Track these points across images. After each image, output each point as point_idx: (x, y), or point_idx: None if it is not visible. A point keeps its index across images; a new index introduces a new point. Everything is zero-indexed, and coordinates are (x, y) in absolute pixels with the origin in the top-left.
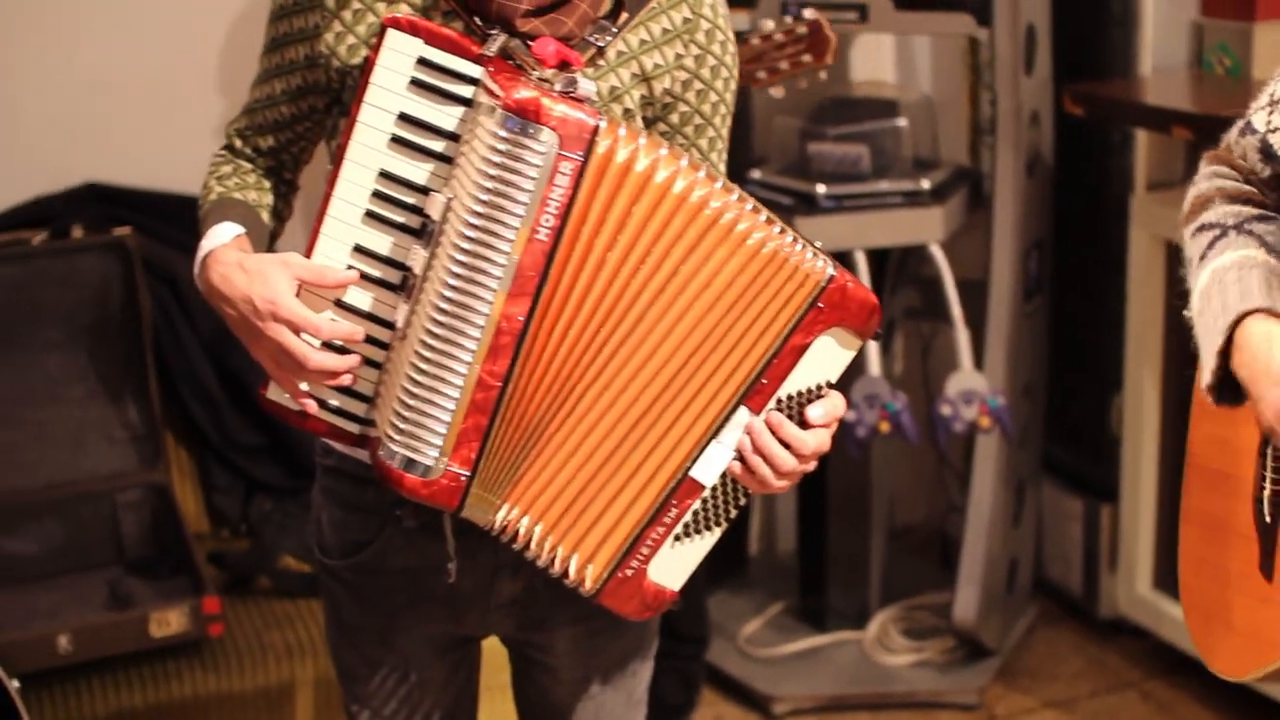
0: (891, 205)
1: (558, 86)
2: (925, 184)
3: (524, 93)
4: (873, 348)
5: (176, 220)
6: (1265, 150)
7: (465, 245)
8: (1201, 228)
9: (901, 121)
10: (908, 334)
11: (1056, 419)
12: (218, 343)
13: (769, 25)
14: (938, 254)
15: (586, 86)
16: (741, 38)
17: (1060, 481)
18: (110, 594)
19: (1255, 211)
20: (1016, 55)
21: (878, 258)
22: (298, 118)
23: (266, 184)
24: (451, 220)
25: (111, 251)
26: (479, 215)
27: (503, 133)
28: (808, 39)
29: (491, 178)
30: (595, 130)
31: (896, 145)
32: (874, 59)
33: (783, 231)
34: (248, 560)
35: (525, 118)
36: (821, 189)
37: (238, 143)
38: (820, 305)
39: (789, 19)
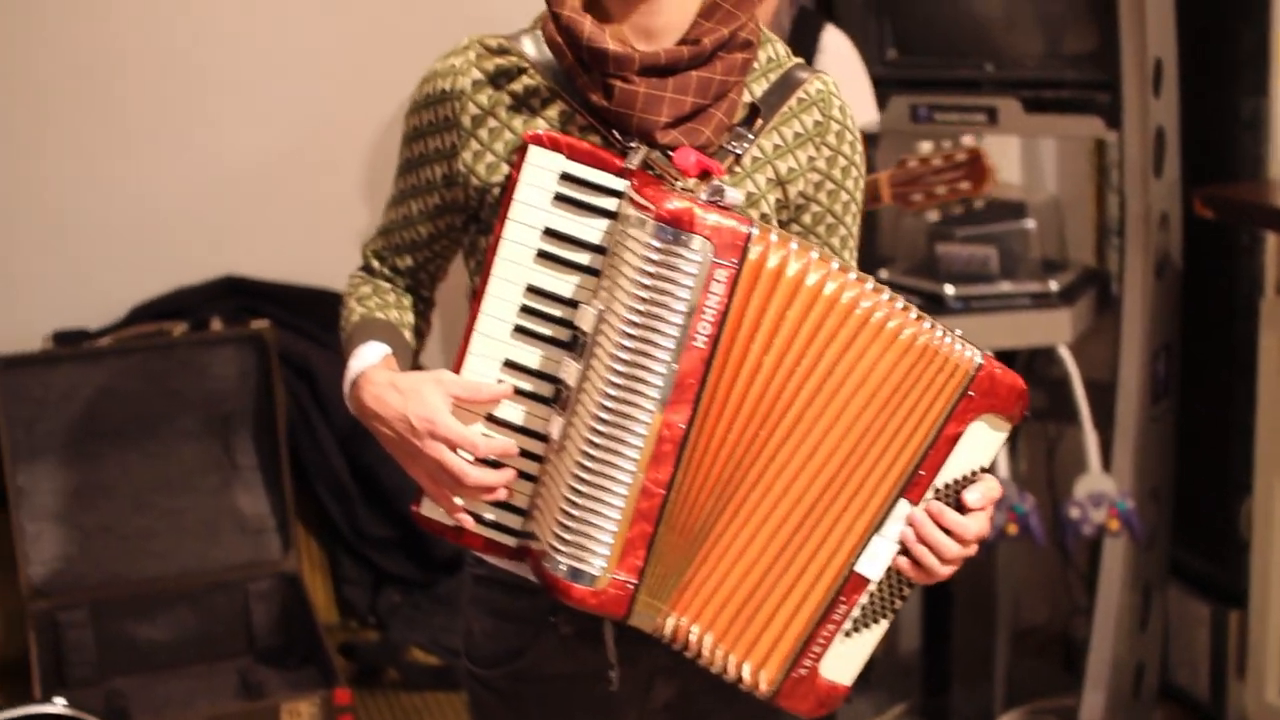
0: (1020, 307)
1: (704, 195)
2: (1053, 286)
3: (676, 203)
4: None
5: (312, 313)
6: None
7: (623, 356)
8: None
9: (1030, 223)
10: (1033, 435)
11: (1184, 522)
12: (351, 436)
13: (926, 148)
14: (1066, 356)
15: (733, 195)
16: (899, 161)
17: (1187, 585)
18: (241, 683)
19: None
20: (1146, 158)
21: (1005, 357)
22: (435, 236)
23: (406, 302)
24: (605, 332)
25: (249, 344)
26: (635, 326)
27: (656, 243)
28: (966, 166)
29: (646, 288)
30: (748, 237)
31: (1024, 247)
32: (1000, 159)
33: (931, 325)
34: (377, 652)
35: (679, 228)
36: (950, 290)
37: (375, 263)
38: (971, 394)
39: (948, 144)
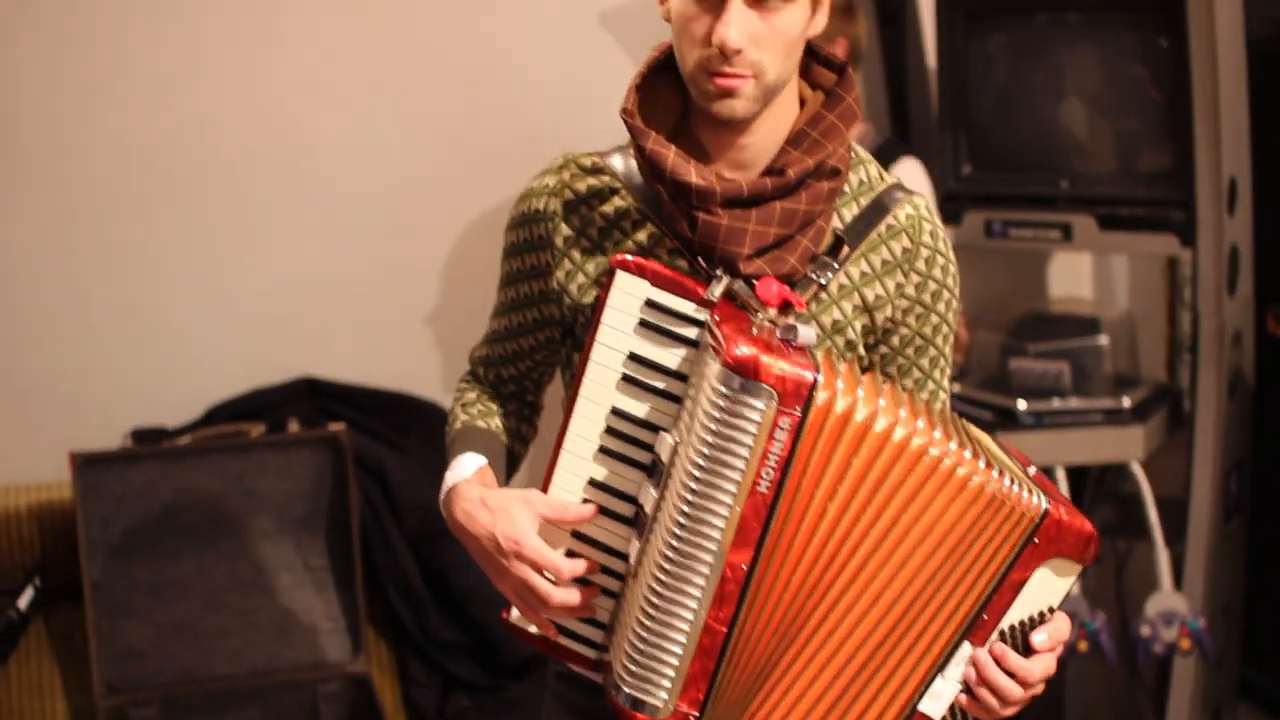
0: (1092, 423)
1: (778, 334)
2: (1126, 402)
3: (744, 349)
4: None
5: (386, 416)
6: None
7: (690, 495)
8: None
9: (1103, 339)
10: (1103, 550)
11: (1254, 641)
12: (423, 539)
13: None
14: (1138, 472)
15: (806, 334)
16: None
17: (1258, 706)
18: None
19: None
20: (1220, 275)
21: (1077, 472)
22: (535, 348)
23: (511, 408)
24: (679, 464)
25: (325, 447)
26: (702, 468)
27: (724, 389)
28: None
29: (713, 431)
30: (814, 385)
31: (1097, 363)
32: (1072, 274)
33: (999, 471)
34: None
35: (745, 375)
36: (1022, 405)
37: (480, 370)
38: (1036, 541)
39: None
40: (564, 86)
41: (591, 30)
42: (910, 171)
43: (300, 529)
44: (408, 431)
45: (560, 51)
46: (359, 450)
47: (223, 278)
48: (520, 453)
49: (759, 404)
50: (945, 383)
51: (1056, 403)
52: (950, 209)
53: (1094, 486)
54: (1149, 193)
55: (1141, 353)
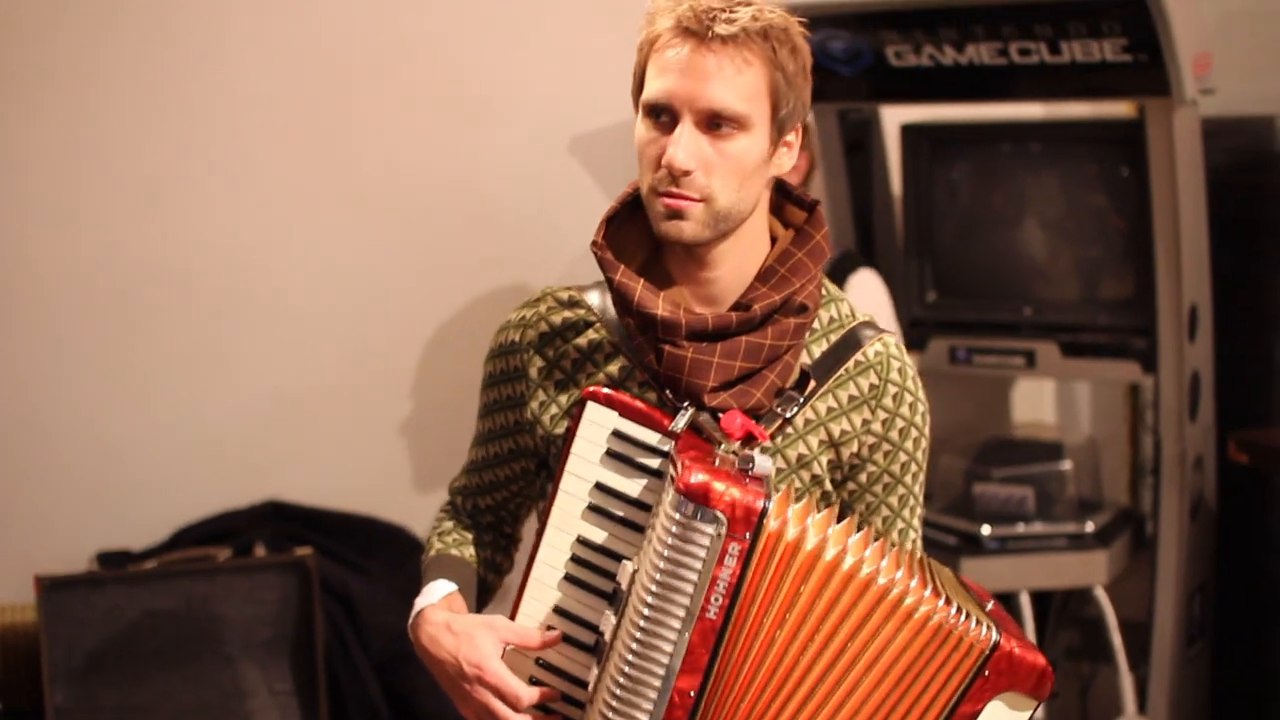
0: (1056, 548)
1: (738, 463)
2: (1089, 527)
3: (697, 477)
4: None
5: (353, 539)
6: None
7: (643, 621)
8: None
9: (1066, 464)
10: (1067, 674)
11: None
12: (387, 663)
13: None
14: (1102, 596)
15: (763, 464)
16: None
17: None
18: None
19: None
20: (1181, 401)
21: (1041, 597)
22: (511, 479)
23: (486, 538)
24: (636, 591)
25: (292, 570)
26: (654, 594)
27: (677, 515)
28: None
29: (666, 557)
30: (763, 512)
31: (1061, 488)
32: (1035, 399)
33: (946, 601)
34: None
35: (696, 500)
36: (986, 530)
37: (459, 500)
38: (987, 673)
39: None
40: (533, 208)
41: (562, 156)
42: (866, 283)
43: (265, 653)
44: (374, 555)
45: (531, 174)
46: (325, 574)
47: (189, 399)
48: (494, 583)
49: (709, 529)
50: (915, 521)
51: (1021, 528)
52: (915, 335)
53: (1058, 611)
54: (1111, 320)
55: (1104, 477)
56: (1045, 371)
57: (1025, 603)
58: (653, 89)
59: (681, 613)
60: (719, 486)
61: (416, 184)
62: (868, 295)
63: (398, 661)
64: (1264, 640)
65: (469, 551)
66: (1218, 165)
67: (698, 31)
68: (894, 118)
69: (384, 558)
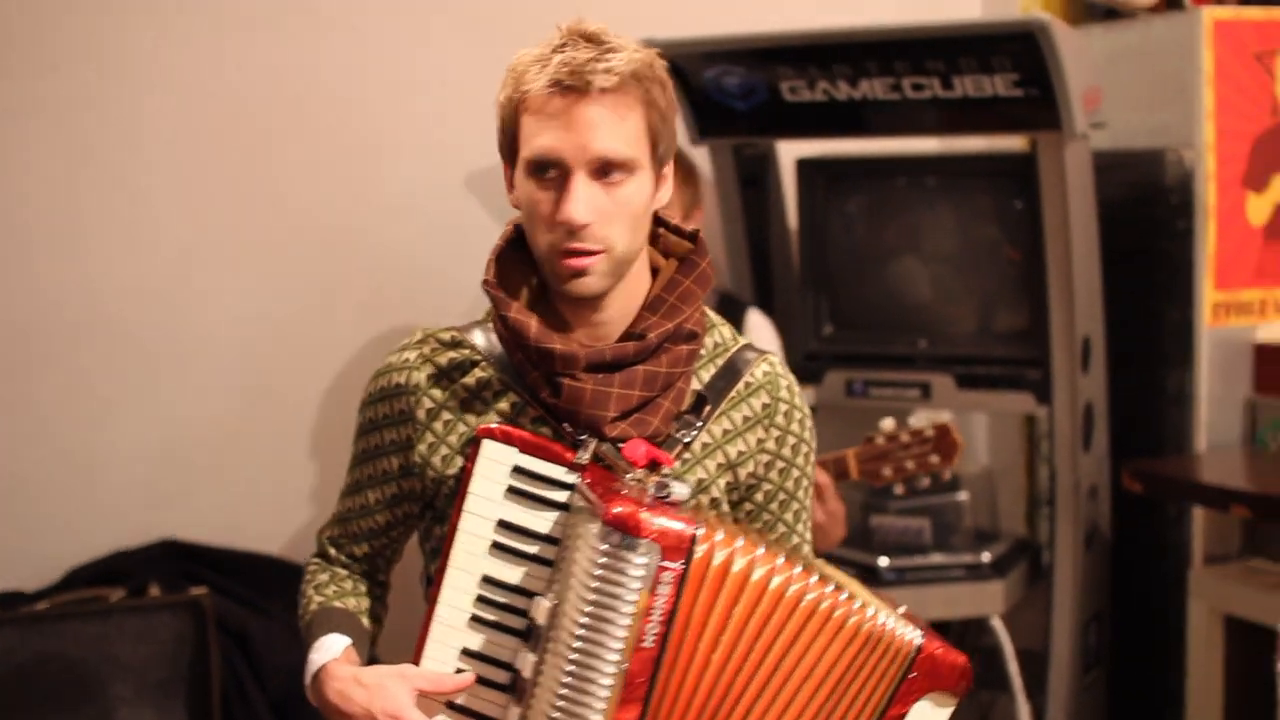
0: (953, 579)
1: (652, 489)
2: (986, 557)
3: (622, 507)
4: None
5: (249, 578)
6: None
7: (574, 656)
8: None
9: (962, 495)
10: (965, 703)
11: None
12: (286, 703)
13: (889, 425)
14: (998, 626)
15: (679, 490)
16: (866, 438)
17: None
18: None
19: None
20: (1075, 432)
21: (938, 627)
22: (392, 524)
23: (363, 588)
24: (559, 626)
25: (187, 610)
26: (585, 627)
27: (604, 546)
28: (934, 441)
29: (595, 590)
30: (694, 538)
31: (958, 518)
32: None
33: (873, 610)
34: None
35: (625, 531)
36: (884, 561)
37: (332, 551)
38: (913, 674)
39: (916, 419)
40: (428, 249)
41: (456, 196)
42: (762, 326)
43: (161, 694)
44: (271, 594)
45: (424, 214)
46: (221, 613)
47: (82, 438)
48: (376, 632)
49: (641, 559)
50: (808, 534)
51: (918, 559)
52: (811, 369)
53: (956, 641)
54: (1006, 352)
55: (1001, 508)
56: (941, 403)
57: None
58: (538, 145)
59: (618, 644)
60: (645, 515)
61: (310, 225)
62: (767, 336)
63: (296, 701)
64: (1159, 668)
65: (351, 602)
66: (1110, 198)
67: (578, 87)
68: (790, 152)
69: (281, 597)
